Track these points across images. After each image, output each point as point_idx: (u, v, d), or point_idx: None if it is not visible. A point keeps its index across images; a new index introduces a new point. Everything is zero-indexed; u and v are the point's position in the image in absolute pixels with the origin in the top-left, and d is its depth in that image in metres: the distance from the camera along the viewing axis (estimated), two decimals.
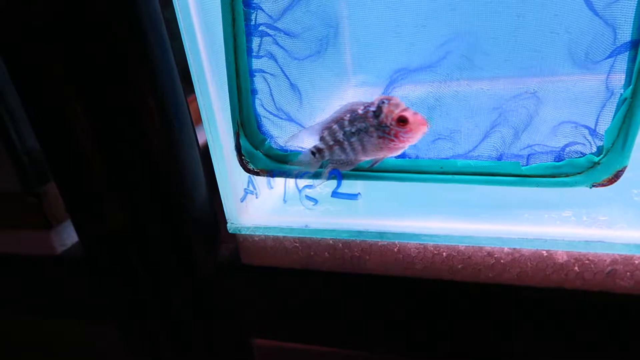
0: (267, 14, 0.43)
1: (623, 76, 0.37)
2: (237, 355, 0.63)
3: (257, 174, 0.47)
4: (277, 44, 0.44)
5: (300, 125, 0.46)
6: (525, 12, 0.42)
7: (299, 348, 0.78)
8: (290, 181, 0.50)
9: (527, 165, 0.41)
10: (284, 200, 0.50)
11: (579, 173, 0.40)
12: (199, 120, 0.53)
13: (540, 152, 0.41)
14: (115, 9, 0.47)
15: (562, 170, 0.40)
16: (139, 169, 0.52)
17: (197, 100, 0.48)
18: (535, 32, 0.42)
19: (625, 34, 0.36)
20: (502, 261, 0.44)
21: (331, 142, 0.42)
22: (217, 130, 0.48)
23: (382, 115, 0.40)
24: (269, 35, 0.44)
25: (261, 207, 0.52)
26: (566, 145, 0.41)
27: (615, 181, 0.39)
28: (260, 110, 0.45)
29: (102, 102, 0.50)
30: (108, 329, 0.67)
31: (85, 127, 0.51)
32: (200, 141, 0.56)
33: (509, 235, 0.43)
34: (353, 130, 0.41)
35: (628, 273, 0.41)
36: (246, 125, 0.45)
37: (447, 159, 0.43)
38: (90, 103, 0.50)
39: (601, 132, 0.39)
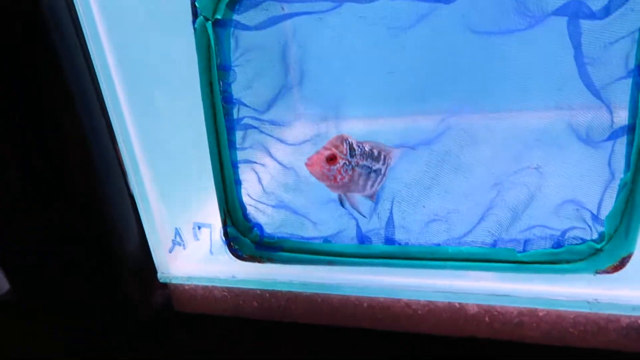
0: (250, 108, 0.44)
1: (623, 159, 0.36)
2: None
3: (246, 260, 0.48)
4: (264, 133, 0.46)
5: (292, 210, 0.47)
6: (530, 86, 0.42)
7: None
8: (216, 233, 0.50)
9: (523, 251, 0.41)
10: (211, 252, 0.51)
11: (580, 260, 0.39)
12: None
13: (539, 237, 0.41)
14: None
15: (561, 257, 0.40)
16: (69, 221, 0.53)
17: (120, 150, 0.48)
18: (539, 106, 0.42)
19: (622, 117, 0.36)
20: (419, 312, 0.46)
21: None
22: (142, 181, 0.49)
23: None
24: (253, 127, 0.45)
25: (190, 257, 0.53)
26: (566, 230, 0.40)
27: (622, 268, 0.38)
28: (246, 199, 0.46)
29: (30, 157, 0.50)
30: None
31: (13, 177, 0.51)
32: None
33: (424, 289, 0.44)
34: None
35: (534, 324, 0.43)
36: (232, 213, 0.46)
37: (439, 245, 0.42)
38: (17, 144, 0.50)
39: (602, 217, 0.38)
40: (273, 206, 0.48)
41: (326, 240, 0.46)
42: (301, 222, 0.47)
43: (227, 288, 0.51)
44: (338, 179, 0.41)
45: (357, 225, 0.45)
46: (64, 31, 0.48)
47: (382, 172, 0.43)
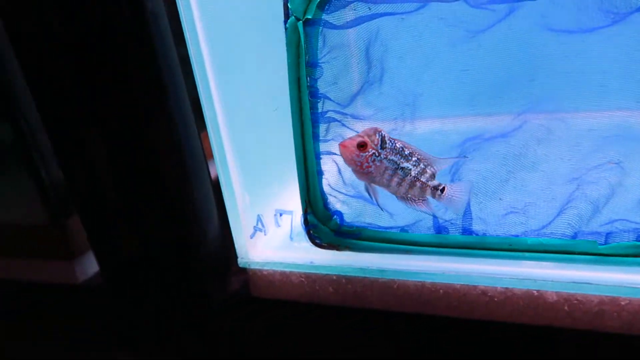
0: (334, 102, 0.47)
1: None
2: None
3: (325, 247, 0.50)
4: (346, 126, 0.48)
5: (370, 201, 0.48)
6: (609, 82, 0.44)
7: None
8: (297, 219, 0.53)
9: (605, 244, 0.41)
10: (291, 238, 0.53)
11: None
12: (211, 156, 0.57)
13: (622, 230, 0.41)
14: (133, 51, 0.52)
15: None
16: (154, 206, 0.57)
17: (210, 141, 0.52)
18: (620, 104, 0.43)
19: None
20: (495, 299, 0.47)
21: None
22: (228, 170, 0.52)
23: None
24: (336, 120, 0.48)
25: (269, 243, 0.56)
26: None
27: None
28: (326, 189, 0.49)
29: (120, 138, 0.54)
30: (123, 356, 0.70)
31: (104, 162, 0.56)
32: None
33: (502, 276, 0.45)
34: None
35: (615, 314, 0.43)
36: (313, 203, 0.49)
37: (517, 236, 0.43)
38: (109, 139, 0.54)
39: None
40: (352, 196, 0.50)
41: (403, 229, 0.48)
42: (379, 213, 0.49)
43: (304, 274, 0.53)
44: (364, 167, 0.44)
45: (434, 216, 0.47)
46: (160, 23, 0.53)
47: (412, 173, 0.45)
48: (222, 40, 0.50)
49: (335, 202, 0.50)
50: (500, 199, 0.47)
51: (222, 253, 0.61)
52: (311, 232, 0.50)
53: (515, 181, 0.46)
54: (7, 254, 0.75)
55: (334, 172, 0.50)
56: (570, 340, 0.45)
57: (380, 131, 0.44)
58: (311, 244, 0.51)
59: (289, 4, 0.45)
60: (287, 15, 0.45)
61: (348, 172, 0.49)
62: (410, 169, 0.45)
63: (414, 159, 0.45)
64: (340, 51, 0.48)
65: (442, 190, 0.45)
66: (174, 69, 0.54)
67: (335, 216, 0.50)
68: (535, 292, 0.45)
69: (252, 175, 0.54)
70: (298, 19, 0.45)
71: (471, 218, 0.46)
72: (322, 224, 0.49)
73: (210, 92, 0.50)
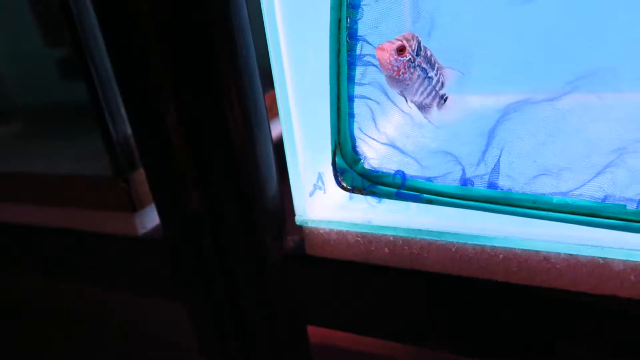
0: (373, 46, 0.46)
1: None
2: (294, 339, 0.67)
3: (350, 190, 0.50)
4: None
5: (400, 150, 0.49)
6: None
7: (352, 338, 0.81)
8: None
9: (637, 208, 0.38)
10: (350, 197, 0.54)
11: None
12: (270, 115, 0.58)
13: None
14: (207, 10, 0.52)
15: None
16: (219, 161, 0.58)
17: (277, 101, 0.53)
18: None
19: None
20: (557, 266, 0.46)
21: None
22: (291, 126, 0.53)
23: None
24: (374, 65, 0.47)
25: (328, 202, 0.56)
26: None
27: None
28: (357, 132, 0.48)
29: (188, 94, 0.55)
30: (180, 307, 0.73)
31: (173, 120, 0.57)
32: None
33: (566, 241, 0.44)
34: None
35: None
36: (343, 145, 0.49)
37: (543, 194, 0.42)
38: (178, 95, 0.55)
39: None
40: (382, 143, 0.50)
41: (428, 179, 0.47)
42: (407, 162, 0.49)
43: (360, 233, 0.54)
44: (400, 73, 0.44)
45: (463, 171, 0.46)
46: None
47: (433, 82, 0.45)
48: None
49: (364, 146, 0.49)
50: (534, 161, 0.45)
51: (280, 210, 0.62)
52: (338, 174, 0.50)
53: (553, 146, 0.45)
54: (71, 204, 0.79)
55: (367, 117, 0.49)
56: (636, 310, 0.44)
57: (417, 37, 0.44)
58: (369, 204, 0.51)
59: None
60: None
61: (380, 118, 0.49)
62: (433, 78, 0.45)
63: (436, 67, 0.45)
64: None
65: (446, 100, 0.46)
66: (244, 26, 0.55)
67: (362, 160, 0.49)
68: (600, 259, 0.44)
69: (314, 133, 0.55)
70: None
71: (499, 174, 0.45)
72: (349, 167, 0.49)
73: (279, 49, 0.50)
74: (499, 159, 0.44)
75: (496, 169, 0.44)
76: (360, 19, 0.45)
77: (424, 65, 0.44)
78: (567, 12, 0.50)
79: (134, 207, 0.71)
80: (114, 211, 0.73)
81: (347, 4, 0.44)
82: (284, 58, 0.50)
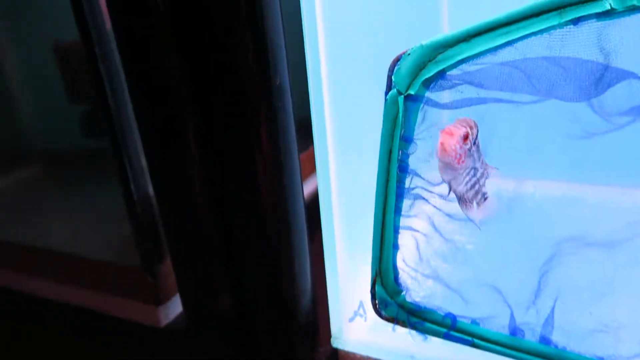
0: (424, 179, 0.45)
1: None
2: None
3: (389, 321, 0.49)
4: (432, 205, 0.46)
5: (444, 283, 0.47)
6: None
7: None
8: None
9: None
10: (393, 329, 0.51)
11: None
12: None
13: None
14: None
15: None
16: (252, 265, 0.56)
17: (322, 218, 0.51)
18: None
19: None
20: None
21: None
22: (334, 251, 0.52)
23: None
24: (423, 198, 0.46)
25: (368, 328, 0.54)
26: None
27: None
28: (400, 264, 0.47)
29: (221, 187, 0.54)
30: None
31: (206, 216, 0.55)
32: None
33: None
34: None
35: None
36: (384, 275, 0.47)
37: (602, 359, 0.40)
38: (212, 190, 0.54)
39: None
40: (426, 276, 0.48)
41: (474, 321, 0.46)
42: (452, 298, 0.47)
43: None
44: (460, 161, 0.41)
45: (512, 315, 0.44)
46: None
47: (477, 175, 0.44)
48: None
49: (407, 279, 0.48)
50: (590, 313, 0.43)
51: (315, 325, 0.59)
52: (377, 303, 0.49)
53: (613, 297, 0.43)
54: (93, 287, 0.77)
55: (411, 249, 0.48)
56: None
57: (477, 125, 0.43)
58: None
59: (392, 77, 0.43)
60: (389, 87, 0.43)
61: (425, 250, 0.47)
62: (478, 170, 0.44)
63: (481, 159, 0.44)
64: (440, 129, 0.45)
65: (486, 198, 0.44)
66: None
67: (404, 292, 0.48)
68: None
69: (358, 261, 0.52)
70: (400, 93, 0.43)
71: (553, 327, 0.43)
72: (389, 298, 0.48)
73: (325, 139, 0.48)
74: (553, 309, 0.42)
75: (550, 320, 0.42)
76: (412, 153, 0.44)
77: (475, 154, 0.43)
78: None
79: (158, 300, 0.70)
80: (137, 301, 0.72)
81: (400, 137, 0.43)
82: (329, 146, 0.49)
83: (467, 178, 0.44)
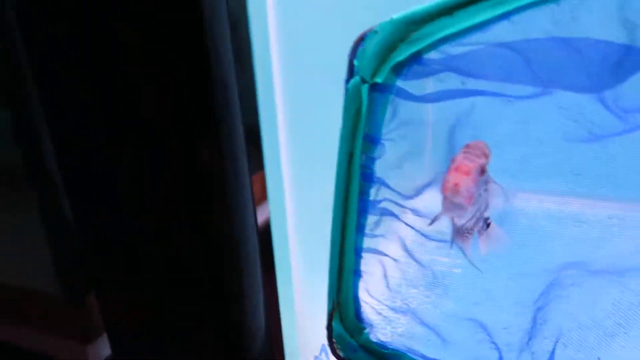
0: (393, 191, 0.40)
1: None
2: None
3: None
4: (404, 222, 0.42)
5: (419, 319, 0.43)
6: None
7: None
8: None
9: None
10: None
11: None
12: None
13: None
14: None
15: None
16: (196, 301, 0.50)
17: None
18: None
19: None
20: None
21: None
22: (290, 283, 0.48)
23: None
24: (392, 214, 0.41)
25: None
26: None
27: None
28: (362, 294, 0.42)
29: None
30: None
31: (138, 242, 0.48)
32: None
33: None
34: None
35: None
36: (343, 308, 0.43)
37: None
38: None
39: None
40: (396, 309, 0.44)
41: None
42: (427, 337, 0.42)
43: None
44: (474, 198, 0.34)
45: (500, 358, 0.39)
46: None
47: (480, 200, 0.36)
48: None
49: (371, 313, 0.44)
50: (598, 358, 0.38)
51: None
52: (334, 342, 0.44)
53: (625, 338, 0.37)
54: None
55: (377, 277, 0.43)
56: None
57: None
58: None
59: (355, 61, 0.36)
60: (351, 74, 0.37)
61: (396, 278, 0.43)
62: (481, 195, 0.37)
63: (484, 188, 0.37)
64: (414, 128, 0.41)
65: (489, 224, 0.38)
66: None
67: (367, 329, 0.43)
68: None
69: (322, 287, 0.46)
70: (364, 81, 0.36)
71: None
72: (349, 336, 0.43)
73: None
74: (553, 353, 0.37)
75: None
76: (379, 157, 0.39)
77: (483, 185, 0.36)
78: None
79: (87, 338, 0.62)
80: (62, 337, 0.64)
81: (363, 136, 0.37)
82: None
83: (471, 209, 0.36)
